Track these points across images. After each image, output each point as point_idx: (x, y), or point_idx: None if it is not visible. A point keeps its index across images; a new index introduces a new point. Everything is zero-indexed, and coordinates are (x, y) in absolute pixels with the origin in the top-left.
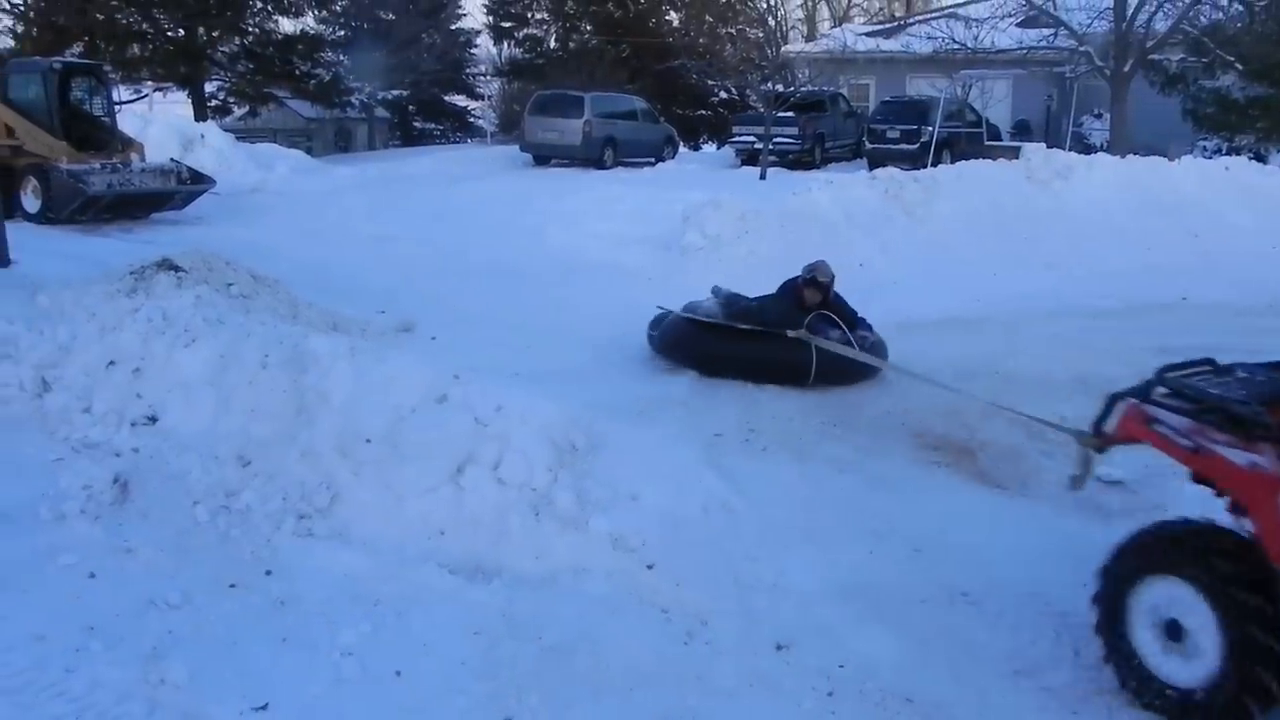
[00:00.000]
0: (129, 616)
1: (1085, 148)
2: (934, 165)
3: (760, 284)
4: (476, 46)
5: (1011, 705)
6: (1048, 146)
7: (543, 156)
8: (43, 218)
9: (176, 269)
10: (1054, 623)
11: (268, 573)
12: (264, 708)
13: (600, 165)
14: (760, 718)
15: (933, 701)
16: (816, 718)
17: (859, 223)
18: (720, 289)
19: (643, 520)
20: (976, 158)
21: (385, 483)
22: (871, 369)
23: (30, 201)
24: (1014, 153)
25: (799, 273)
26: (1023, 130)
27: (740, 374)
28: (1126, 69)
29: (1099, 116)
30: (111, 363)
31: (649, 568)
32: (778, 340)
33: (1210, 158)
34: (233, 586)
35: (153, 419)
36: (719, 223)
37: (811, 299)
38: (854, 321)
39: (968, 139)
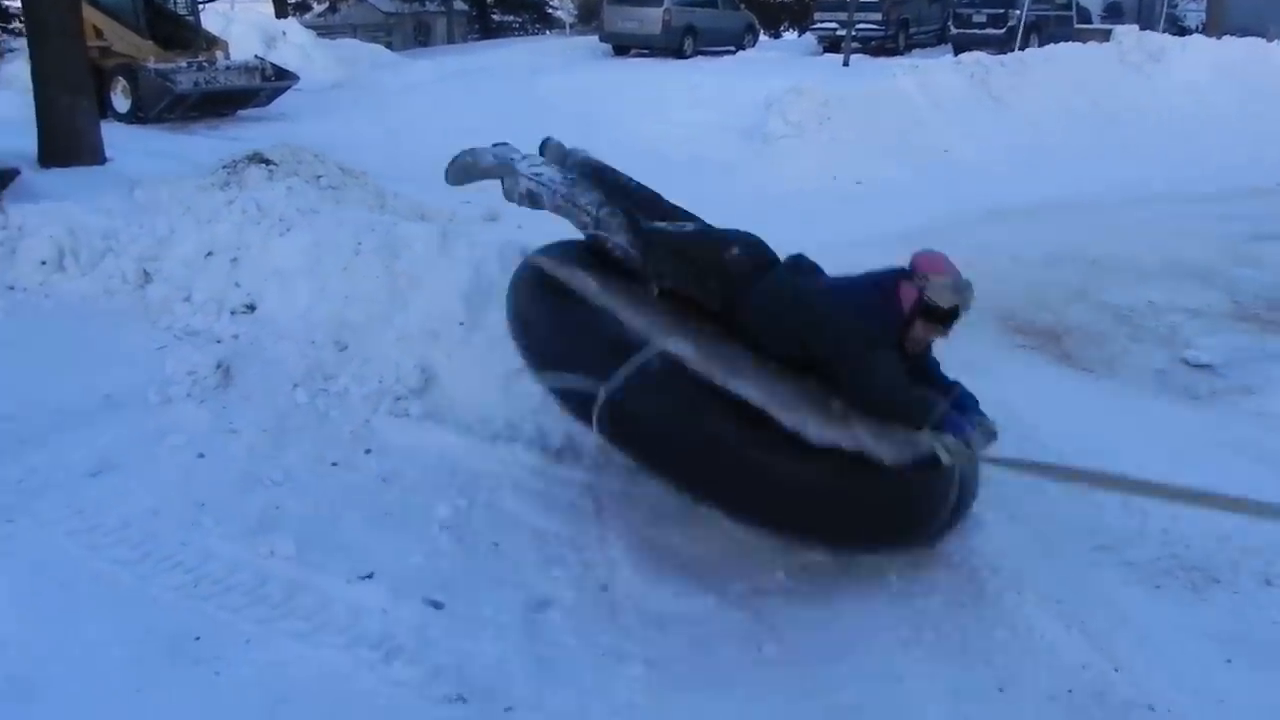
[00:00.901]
0: (236, 493)
1: (1180, 30)
2: (1022, 49)
3: (845, 171)
4: None
5: (1094, 579)
6: (1141, 29)
7: (622, 46)
8: (132, 117)
9: (267, 162)
10: (1140, 501)
11: (367, 451)
12: (369, 576)
13: (680, 54)
14: (847, 591)
15: (1016, 572)
16: (902, 587)
17: (944, 109)
18: (555, 143)
19: None
20: (1066, 41)
21: (477, 365)
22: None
23: (120, 101)
24: (1105, 35)
25: (896, 265)
26: (1114, 12)
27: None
28: None
29: None
30: (209, 253)
31: None
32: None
33: None
34: (334, 465)
35: (251, 306)
36: (802, 110)
37: (923, 340)
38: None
39: (1057, 21)
